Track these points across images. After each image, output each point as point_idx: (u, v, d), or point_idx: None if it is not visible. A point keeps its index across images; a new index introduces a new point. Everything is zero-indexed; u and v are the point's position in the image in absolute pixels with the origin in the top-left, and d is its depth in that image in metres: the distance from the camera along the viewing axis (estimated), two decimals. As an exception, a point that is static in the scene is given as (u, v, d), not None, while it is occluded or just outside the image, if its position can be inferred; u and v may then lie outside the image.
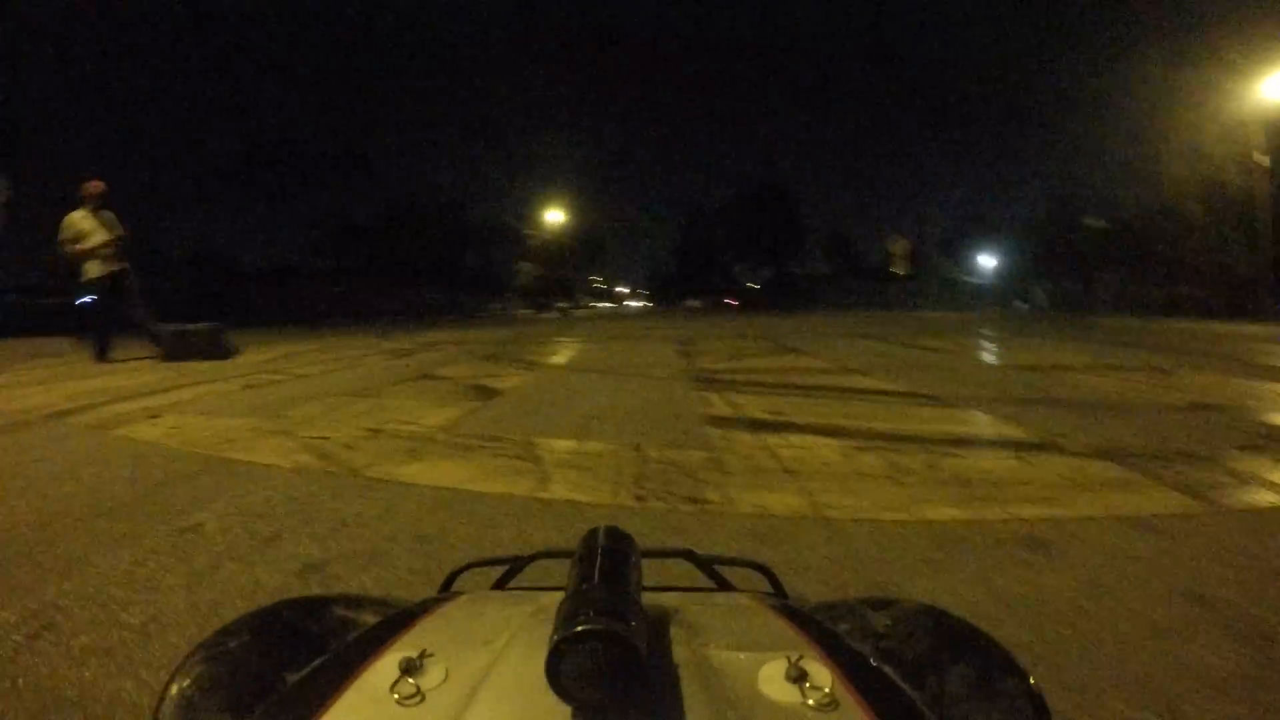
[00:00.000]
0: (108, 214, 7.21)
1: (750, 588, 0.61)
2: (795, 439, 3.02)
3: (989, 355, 7.54)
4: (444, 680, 0.35)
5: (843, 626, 0.47)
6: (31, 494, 2.35)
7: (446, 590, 0.60)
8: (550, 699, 0.31)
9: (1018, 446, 2.85)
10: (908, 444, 2.87)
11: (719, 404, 4.03)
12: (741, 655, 0.37)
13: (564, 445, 3.00)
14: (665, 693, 0.33)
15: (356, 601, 0.51)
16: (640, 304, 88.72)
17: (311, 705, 0.34)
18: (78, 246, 7.03)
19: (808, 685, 0.34)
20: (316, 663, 0.41)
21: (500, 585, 0.61)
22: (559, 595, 0.36)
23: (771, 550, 1.77)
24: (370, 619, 0.48)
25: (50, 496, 2.33)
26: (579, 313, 54.70)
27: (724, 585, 0.60)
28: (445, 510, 2.13)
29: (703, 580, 0.62)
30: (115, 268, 7.16)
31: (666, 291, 77.96)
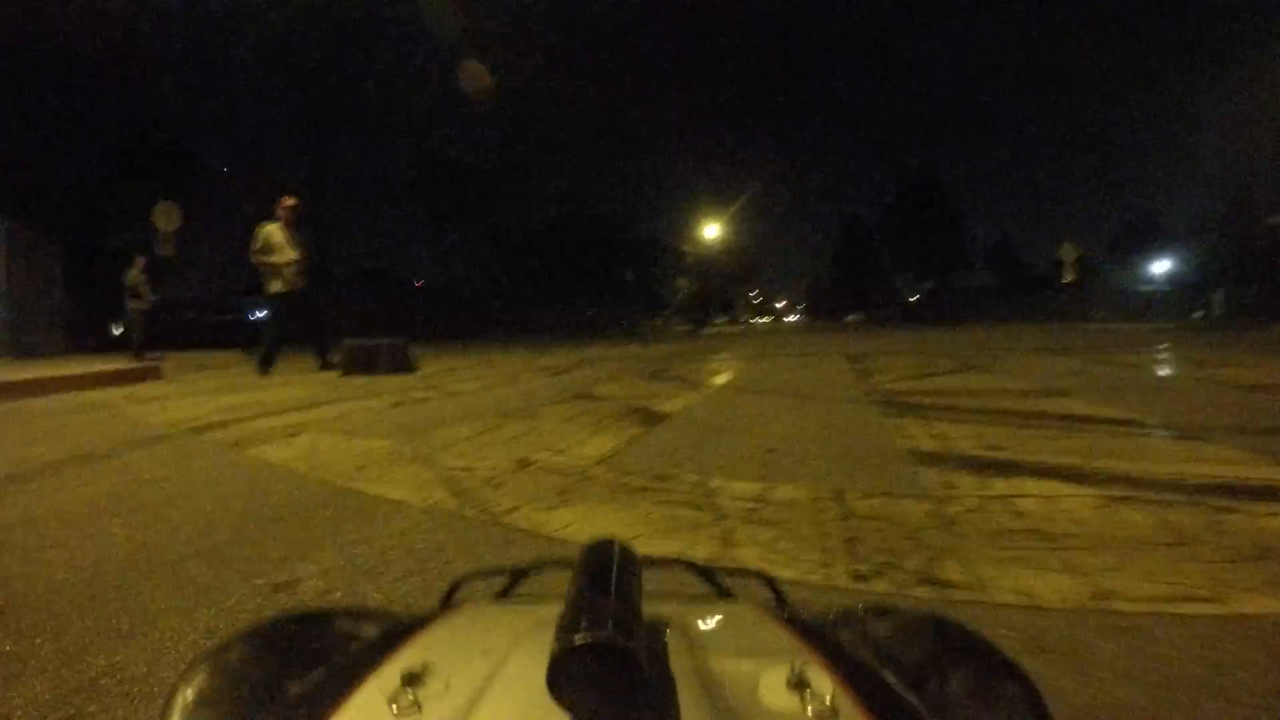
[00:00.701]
0: (298, 232, 7.44)
1: (751, 596, 0.59)
2: (1030, 485, 2.21)
3: (1197, 371, 5.90)
4: (445, 691, 0.35)
5: (844, 634, 0.45)
6: (136, 522, 2.00)
7: (447, 602, 0.56)
8: (551, 710, 0.30)
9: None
10: (1170, 493, 2.10)
11: (918, 433, 3.10)
12: (742, 664, 0.37)
13: (747, 489, 2.23)
14: (666, 703, 0.32)
15: (358, 614, 0.49)
16: (797, 318, 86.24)
17: (313, 717, 0.34)
18: (266, 259, 7.29)
19: (809, 694, 0.33)
20: (318, 675, 0.40)
21: (501, 596, 0.60)
22: (560, 606, 0.34)
23: (1056, 669, 1.12)
24: (371, 631, 0.46)
25: (153, 527, 1.96)
26: (736, 328, 55.17)
27: (725, 594, 0.59)
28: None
29: (704, 589, 0.60)
30: (296, 286, 7.37)
31: (825, 304, 75.62)
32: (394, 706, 0.33)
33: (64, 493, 2.38)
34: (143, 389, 6.67)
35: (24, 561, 1.73)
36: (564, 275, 45.20)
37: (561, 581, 0.39)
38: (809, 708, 0.33)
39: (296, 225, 7.53)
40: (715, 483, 2.31)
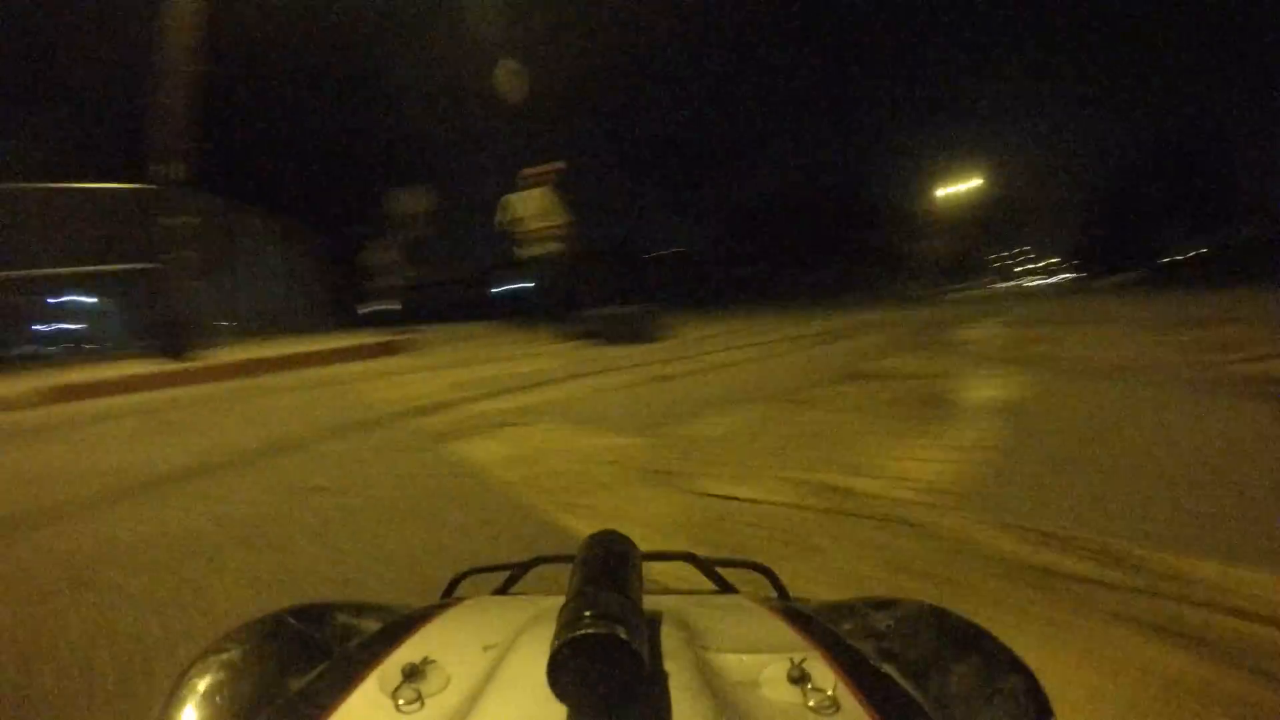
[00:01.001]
0: (559, 197, 7.24)
1: (752, 590, 0.59)
2: None
3: None
4: (446, 685, 0.35)
5: (845, 627, 0.44)
6: (259, 561, 1.37)
7: (448, 596, 0.58)
8: (552, 703, 0.30)
9: None
10: None
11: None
12: (743, 657, 0.37)
13: (1213, 572, 1.04)
14: (667, 696, 0.32)
15: (359, 608, 0.49)
16: (1060, 277, 74.70)
17: (314, 711, 0.34)
18: (526, 227, 7.19)
19: (810, 687, 0.34)
20: (319, 669, 0.40)
21: (502, 591, 0.60)
22: (560, 600, 0.34)
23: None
24: (373, 625, 0.46)
25: (261, 577, 1.30)
26: (996, 289, 48.38)
27: (725, 587, 0.59)
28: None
29: (704, 582, 0.60)
30: (558, 250, 7.18)
31: (1089, 262, 64.95)
32: (396, 700, 0.34)
33: (199, 509, 1.82)
34: (389, 363, 6.76)
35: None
36: (803, 239, 43.01)
37: (561, 576, 0.38)
38: (810, 701, 0.33)
39: (560, 190, 7.33)
40: (1158, 558, 1.12)
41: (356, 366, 6.65)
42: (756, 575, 0.60)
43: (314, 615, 0.47)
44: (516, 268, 7.79)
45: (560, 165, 7.36)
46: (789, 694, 0.33)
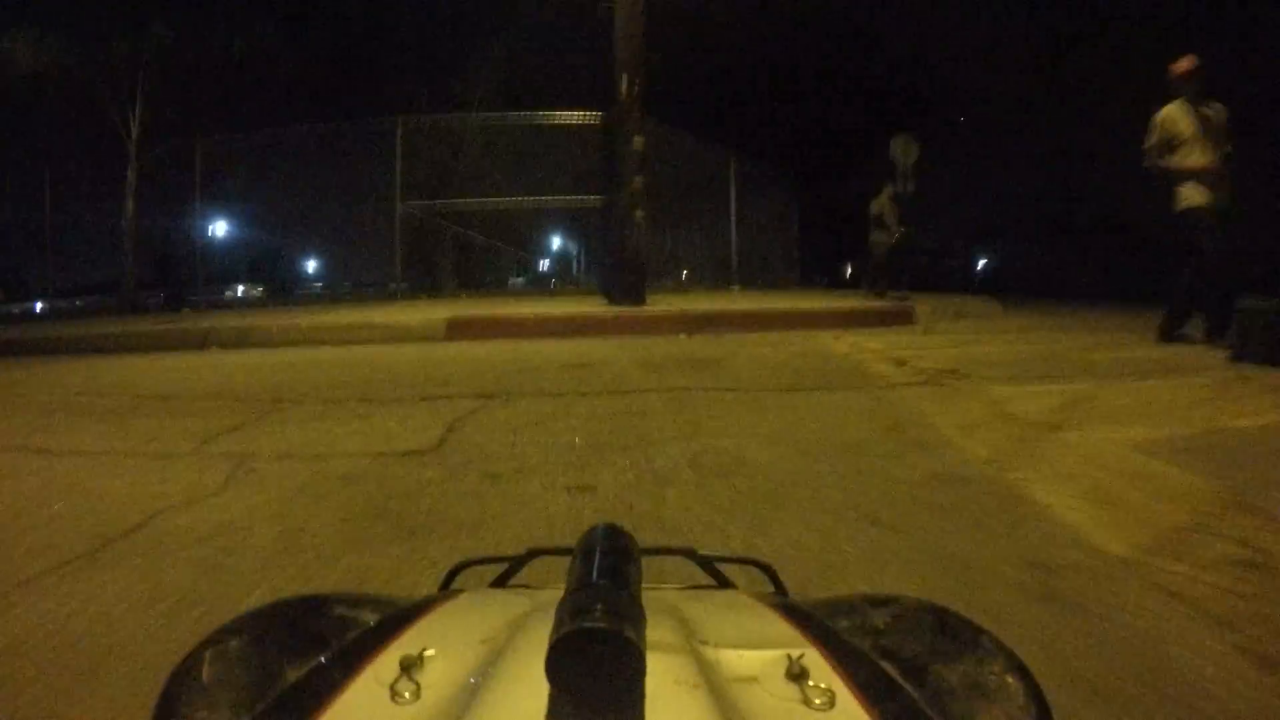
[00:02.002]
0: (1212, 111, 4.31)
1: (751, 586, 0.58)
2: None
3: None
4: (444, 677, 0.35)
5: (843, 624, 0.43)
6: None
7: (446, 588, 0.56)
8: (550, 697, 0.30)
9: None
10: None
11: None
12: (742, 653, 0.37)
13: None
14: (665, 691, 0.31)
15: (356, 600, 0.48)
16: None
17: (312, 703, 0.34)
18: (1173, 160, 4.34)
19: (808, 683, 0.33)
20: (318, 661, 0.39)
21: (499, 583, 0.59)
22: (559, 593, 0.33)
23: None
24: (370, 617, 0.44)
25: None
26: None
27: (724, 583, 0.57)
28: None
29: (703, 578, 0.59)
30: (1222, 198, 4.30)
31: None
32: (393, 692, 0.33)
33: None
34: (898, 338, 5.50)
35: None
36: None
37: (559, 568, 0.38)
38: (808, 697, 0.32)
39: (1206, 99, 4.37)
40: None
41: (862, 336, 5.53)
42: (756, 571, 0.59)
43: (312, 607, 0.47)
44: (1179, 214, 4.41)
45: (1189, 62, 4.34)
46: (787, 690, 0.33)
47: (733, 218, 13.06)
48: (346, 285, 13.30)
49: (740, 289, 12.48)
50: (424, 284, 12.03)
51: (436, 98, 12.37)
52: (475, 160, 11.93)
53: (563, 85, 11.36)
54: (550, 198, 11.25)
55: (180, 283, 12.01)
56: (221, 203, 12.13)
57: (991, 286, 15.53)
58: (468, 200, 11.52)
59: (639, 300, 7.20)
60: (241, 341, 6.24)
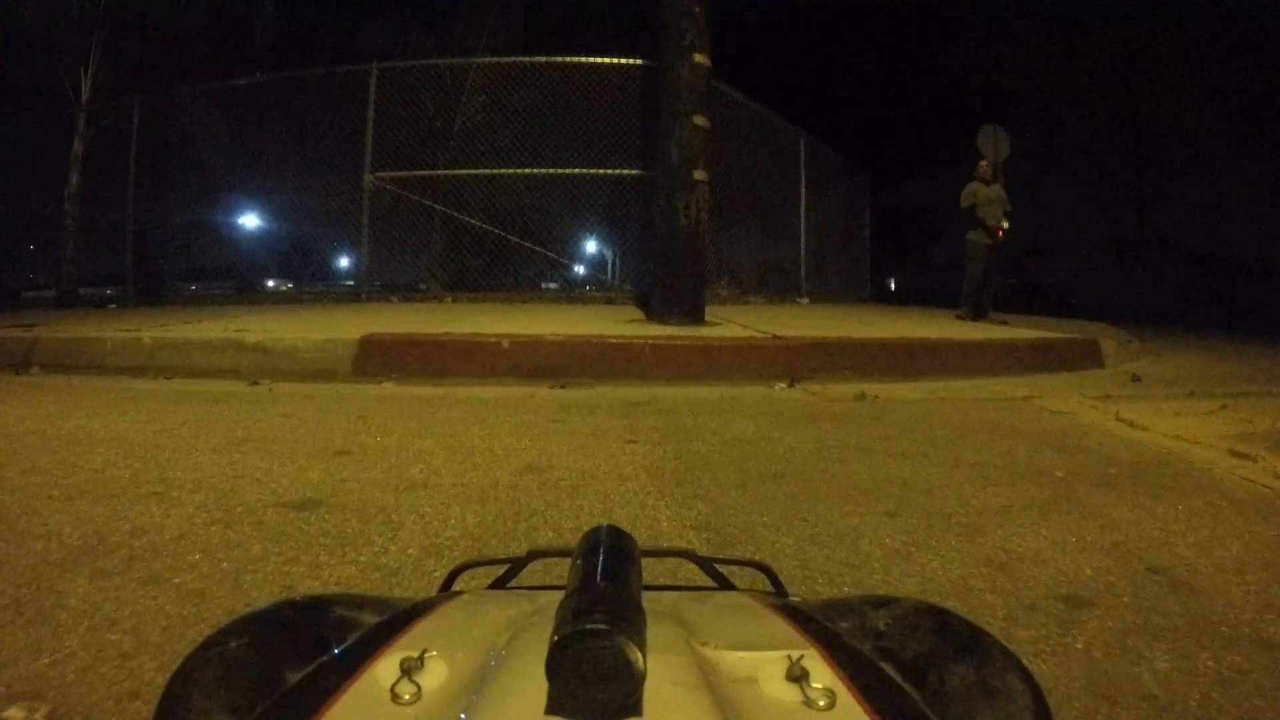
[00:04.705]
0: None
1: (751, 587, 0.59)
2: None
3: None
4: (444, 680, 0.35)
5: (843, 625, 0.44)
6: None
7: (446, 590, 0.58)
8: (551, 698, 0.30)
9: None
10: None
11: None
12: (742, 654, 0.37)
13: None
14: (665, 692, 0.31)
15: (357, 601, 0.49)
16: None
17: (312, 705, 0.34)
18: None
19: (808, 684, 0.33)
20: (318, 662, 0.40)
21: (499, 585, 0.59)
22: (559, 594, 0.34)
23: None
24: (371, 619, 0.46)
25: None
26: None
27: (725, 584, 0.59)
28: None
29: (703, 579, 0.60)
30: None
31: None
32: (394, 694, 0.33)
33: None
34: (1118, 389, 3.83)
35: None
36: None
37: (560, 570, 0.38)
38: (808, 698, 0.32)
39: None
40: None
41: (1034, 387, 3.78)
42: (757, 573, 0.60)
43: (312, 609, 0.47)
44: None
45: None
46: (787, 691, 0.33)
47: (802, 214, 10.01)
48: (318, 285, 10.65)
49: (808, 301, 10.00)
50: (398, 283, 9.18)
51: (427, 42, 10.02)
52: (474, 121, 9.04)
53: (593, 25, 9.02)
54: (575, 171, 8.05)
55: (155, 272, 9.74)
56: (167, 176, 9.66)
57: (1074, 310, 13.69)
58: (457, 172, 8.43)
59: (696, 317, 4.92)
60: (71, 364, 4.14)
